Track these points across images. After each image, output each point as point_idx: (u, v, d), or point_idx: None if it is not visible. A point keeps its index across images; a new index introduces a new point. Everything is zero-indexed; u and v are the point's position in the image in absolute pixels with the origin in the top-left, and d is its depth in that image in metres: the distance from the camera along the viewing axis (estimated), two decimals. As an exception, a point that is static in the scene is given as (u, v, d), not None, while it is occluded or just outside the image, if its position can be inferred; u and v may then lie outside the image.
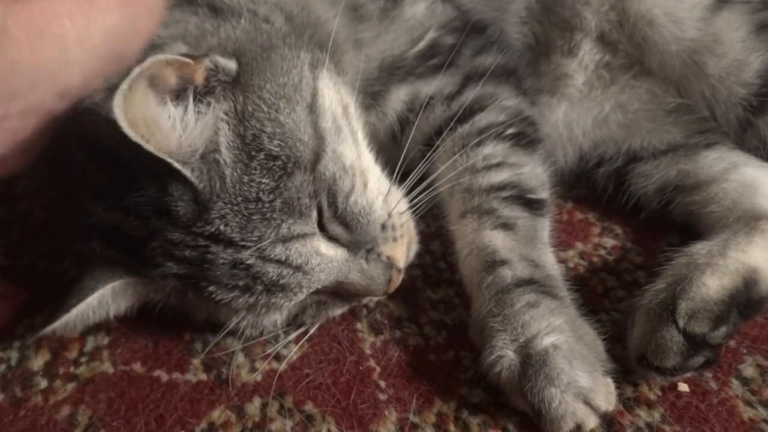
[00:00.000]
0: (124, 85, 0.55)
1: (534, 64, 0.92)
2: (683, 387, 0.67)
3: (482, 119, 0.78)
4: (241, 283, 0.64)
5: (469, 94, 0.79)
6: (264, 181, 0.62)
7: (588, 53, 0.89)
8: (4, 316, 0.81)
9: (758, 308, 0.69)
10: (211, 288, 0.64)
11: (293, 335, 0.74)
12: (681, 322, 0.63)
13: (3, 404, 0.71)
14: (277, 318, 0.71)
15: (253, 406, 0.69)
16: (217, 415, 0.69)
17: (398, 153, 0.77)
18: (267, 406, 0.69)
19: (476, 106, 0.78)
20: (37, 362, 0.76)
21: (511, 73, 0.84)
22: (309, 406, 0.68)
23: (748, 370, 0.68)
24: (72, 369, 0.75)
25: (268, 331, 0.72)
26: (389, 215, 0.70)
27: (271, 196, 0.62)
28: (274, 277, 0.64)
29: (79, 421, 0.69)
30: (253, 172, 0.62)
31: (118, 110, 0.54)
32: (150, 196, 0.61)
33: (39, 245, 0.90)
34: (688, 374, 0.67)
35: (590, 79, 0.91)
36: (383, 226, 0.69)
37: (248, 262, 0.63)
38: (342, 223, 0.66)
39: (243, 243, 0.62)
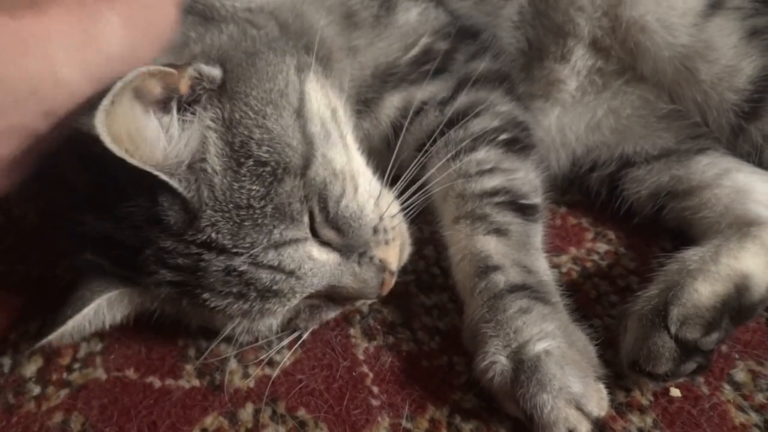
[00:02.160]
0: (106, 101, 0.55)
1: (527, 69, 0.93)
2: (675, 392, 0.67)
3: (475, 124, 0.78)
4: (234, 289, 0.64)
5: (463, 100, 0.79)
6: (254, 187, 0.62)
7: (580, 59, 0.90)
8: (-3, 322, 0.81)
9: (750, 314, 0.69)
10: (206, 295, 0.64)
11: (286, 341, 0.74)
12: (673, 328, 0.64)
13: (-5, 411, 0.71)
14: (272, 323, 0.71)
15: (246, 413, 0.69)
16: (210, 421, 0.68)
17: (391, 158, 0.77)
18: (260, 412, 0.69)
19: (469, 111, 0.79)
20: (30, 369, 0.75)
21: (504, 78, 0.84)
22: (302, 412, 0.68)
23: (740, 375, 0.68)
24: (65, 375, 0.74)
25: (263, 336, 0.72)
26: (381, 218, 0.70)
27: (262, 203, 0.62)
28: (267, 283, 0.64)
29: (72, 427, 0.69)
30: (243, 179, 0.62)
31: (101, 126, 0.54)
32: (141, 206, 0.61)
33: (33, 251, 0.90)
34: (681, 380, 0.67)
35: (583, 85, 0.91)
36: (375, 230, 0.70)
37: (241, 268, 0.63)
38: (334, 227, 0.66)
39: (235, 250, 0.62)
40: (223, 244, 0.62)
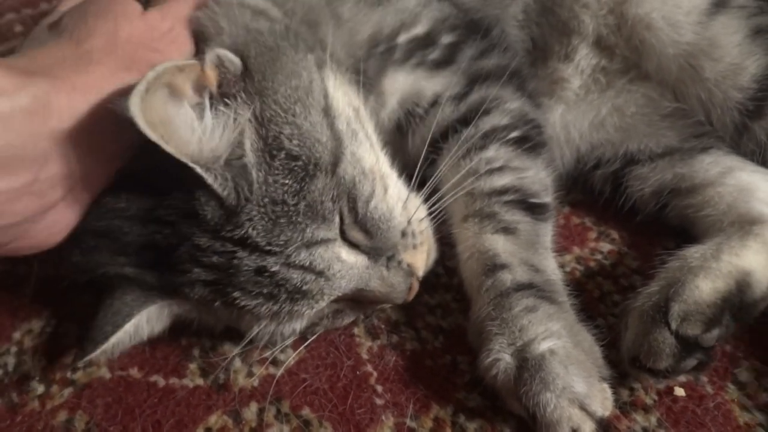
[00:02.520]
0: (141, 86, 0.55)
1: (532, 68, 0.92)
2: (679, 391, 0.67)
3: (486, 122, 0.78)
4: (265, 290, 0.64)
5: (474, 96, 0.79)
6: (287, 182, 0.62)
7: (584, 58, 0.89)
8: (0, 322, 0.81)
9: (751, 311, 0.69)
10: (236, 293, 0.64)
11: (290, 340, 0.73)
12: (673, 324, 0.64)
13: (0, 410, 0.71)
14: (297, 326, 0.70)
15: (250, 412, 0.69)
16: (214, 420, 0.69)
17: (406, 155, 0.77)
18: (264, 411, 0.69)
19: (481, 108, 0.78)
20: (34, 367, 0.75)
21: (515, 75, 0.83)
22: (306, 411, 0.68)
23: (744, 375, 0.68)
24: (69, 374, 0.74)
25: (284, 338, 0.71)
26: (409, 222, 0.70)
27: (296, 199, 0.62)
28: (297, 284, 0.64)
29: (76, 426, 0.69)
30: (276, 172, 0.62)
31: (135, 108, 0.54)
32: (178, 199, 0.62)
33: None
34: (683, 377, 0.67)
35: (587, 83, 0.91)
36: (403, 233, 0.69)
37: (273, 269, 0.63)
38: (362, 228, 0.66)
39: (269, 248, 0.62)
40: (257, 242, 0.62)
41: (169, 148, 0.57)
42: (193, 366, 0.74)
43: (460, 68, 0.81)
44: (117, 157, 0.66)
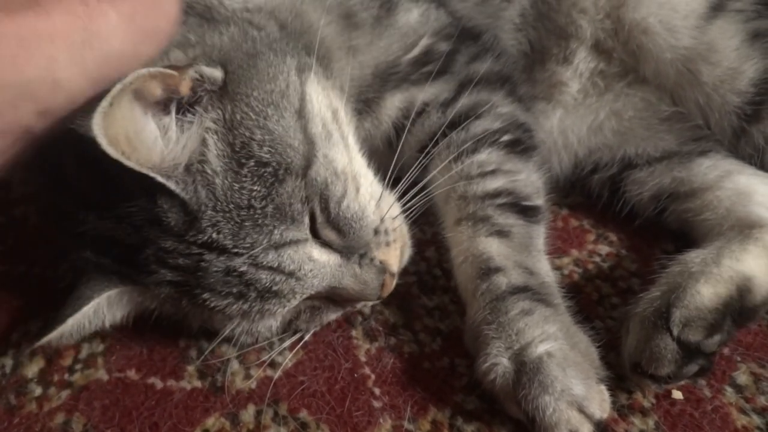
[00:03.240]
0: (104, 103, 0.55)
1: (529, 71, 0.93)
2: (677, 394, 0.67)
3: (477, 126, 0.78)
4: (234, 290, 0.64)
5: (465, 101, 0.79)
6: (255, 188, 0.62)
7: (583, 61, 0.90)
8: (-2, 323, 0.81)
9: (752, 316, 0.69)
10: (205, 295, 0.64)
11: (288, 342, 0.73)
12: (675, 330, 0.64)
13: (-3, 411, 0.71)
14: (272, 324, 0.70)
15: (248, 414, 0.69)
16: (212, 422, 0.68)
17: (393, 159, 0.77)
18: (261, 413, 0.69)
19: (471, 112, 0.79)
20: (32, 369, 0.75)
21: (505, 80, 0.84)
22: (303, 414, 0.68)
23: (742, 378, 0.68)
24: (66, 376, 0.74)
25: (263, 337, 0.72)
26: (382, 220, 0.70)
27: (263, 203, 0.62)
28: (267, 284, 0.64)
29: (74, 428, 0.69)
30: (244, 179, 0.62)
31: (98, 128, 0.54)
32: (141, 206, 0.61)
33: (34, 251, 0.90)
34: (683, 382, 0.67)
35: (585, 87, 0.91)
36: (376, 231, 0.70)
37: (241, 269, 0.63)
38: (335, 228, 0.66)
39: (236, 250, 0.62)
40: (224, 245, 0.62)
41: (130, 164, 0.57)
42: (190, 368, 0.74)
43: (453, 76, 0.82)
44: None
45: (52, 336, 0.66)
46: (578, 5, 0.88)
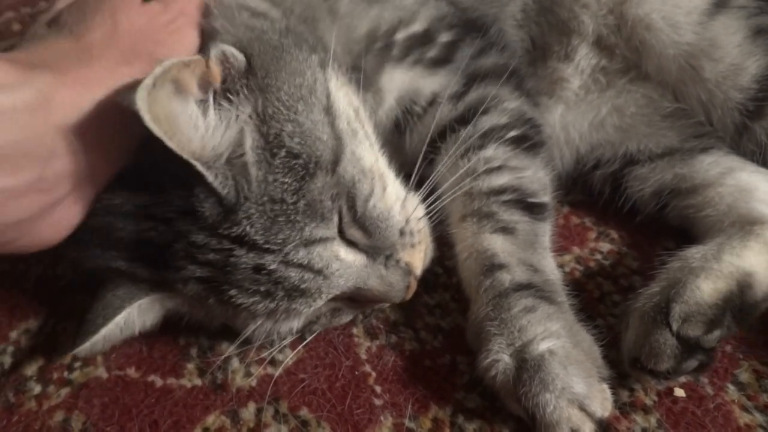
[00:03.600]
0: (148, 80, 0.55)
1: (531, 68, 0.92)
2: (679, 392, 0.67)
3: (484, 121, 0.78)
4: (262, 288, 0.63)
5: (472, 95, 0.79)
6: (287, 180, 0.62)
7: (584, 57, 0.89)
8: (-2, 321, 0.81)
9: (753, 312, 0.69)
10: (233, 292, 0.64)
11: (288, 340, 0.73)
12: (675, 326, 0.63)
13: (-4, 409, 0.71)
14: (294, 325, 0.70)
15: (248, 412, 0.69)
16: (212, 420, 0.68)
17: (404, 154, 0.77)
18: (262, 411, 0.69)
19: (479, 107, 0.78)
20: (31, 367, 0.75)
21: (513, 74, 0.83)
22: (304, 412, 0.68)
23: (744, 376, 0.68)
24: (66, 374, 0.74)
25: (282, 337, 0.71)
26: (407, 221, 0.70)
27: (295, 197, 0.62)
28: (295, 282, 0.63)
29: (73, 426, 0.69)
30: (276, 171, 0.62)
31: (142, 102, 0.54)
32: (175, 196, 0.62)
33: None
34: (683, 378, 0.67)
35: (587, 83, 0.91)
36: (401, 232, 0.69)
37: (271, 267, 0.62)
38: (361, 227, 0.66)
39: (267, 246, 0.62)
40: (255, 240, 0.61)
41: (172, 145, 0.57)
42: (190, 366, 0.74)
43: (459, 67, 0.81)
44: (122, 152, 0.66)
45: (85, 346, 0.65)
46: (581, 0, 0.88)
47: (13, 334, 0.79)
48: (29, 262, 0.88)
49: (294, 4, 0.78)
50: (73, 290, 0.81)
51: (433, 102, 0.79)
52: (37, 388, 0.73)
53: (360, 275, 0.67)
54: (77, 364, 0.75)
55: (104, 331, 0.65)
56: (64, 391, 0.72)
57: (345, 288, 0.67)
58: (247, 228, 0.61)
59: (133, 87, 0.56)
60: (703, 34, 0.82)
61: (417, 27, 0.81)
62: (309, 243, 0.63)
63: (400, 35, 0.80)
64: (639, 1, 0.84)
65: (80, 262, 0.68)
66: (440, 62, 0.80)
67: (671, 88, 0.86)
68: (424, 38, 0.81)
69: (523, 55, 0.91)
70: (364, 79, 0.76)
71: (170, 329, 0.75)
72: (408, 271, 0.70)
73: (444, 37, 0.82)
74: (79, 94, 0.60)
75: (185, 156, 0.58)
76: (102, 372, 0.74)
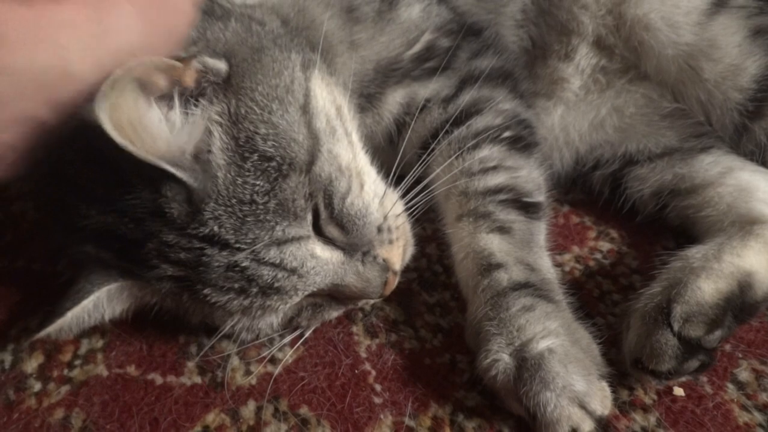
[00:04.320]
0: (105, 86, 0.54)
1: (530, 68, 0.92)
2: (678, 391, 0.67)
3: (478, 122, 0.78)
4: (236, 285, 0.64)
5: (466, 98, 0.79)
6: (258, 183, 0.62)
7: (584, 58, 0.90)
8: (-3, 318, 0.81)
9: (753, 312, 0.69)
10: (206, 290, 0.64)
11: (288, 338, 0.73)
12: (676, 326, 0.64)
13: (-4, 407, 0.71)
14: (272, 320, 0.70)
15: (248, 410, 0.69)
16: (212, 418, 0.68)
17: (395, 156, 0.77)
18: (262, 409, 0.69)
19: (472, 109, 0.78)
20: (31, 365, 0.75)
21: (507, 76, 0.84)
22: (304, 410, 0.68)
23: (744, 375, 0.68)
24: (66, 372, 0.74)
25: (264, 334, 0.72)
26: (385, 217, 0.70)
27: (265, 198, 0.62)
28: (269, 280, 0.63)
29: (73, 424, 0.69)
30: (247, 174, 0.62)
31: (101, 112, 0.53)
32: (144, 198, 0.61)
33: (33, 247, 0.90)
34: (684, 378, 0.67)
35: (586, 84, 0.91)
36: (379, 229, 0.69)
37: (243, 264, 0.62)
38: (338, 225, 0.66)
39: (237, 245, 0.62)
40: (225, 239, 0.61)
41: (135, 150, 0.56)
42: (190, 364, 0.74)
43: (454, 72, 0.81)
44: None
45: (51, 329, 0.65)
46: (580, 1, 0.88)
47: (13, 332, 0.79)
48: (28, 259, 0.88)
49: (298, 20, 0.77)
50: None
51: (423, 107, 0.80)
52: (37, 386, 0.73)
53: (337, 272, 0.67)
54: (77, 362, 0.75)
55: (70, 315, 0.65)
56: (64, 389, 0.72)
57: (322, 285, 0.67)
58: (215, 228, 0.61)
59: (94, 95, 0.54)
60: (702, 34, 0.82)
61: (421, 44, 0.81)
62: (281, 242, 0.63)
63: (406, 58, 0.81)
64: (638, 2, 0.85)
65: (54, 242, 0.68)
66: (437, 70, 0.81)
67: (670, 88, 0.87)
68: (427, 53, 0.81)
69: (521, 55, 0.91)
70: (366, 102, 0.77)
71: (170, 328, 0.75)
72: (386, 267, 0.70)
73: (443, 44, 0.82)
74: None
75: (150, 159, 0.57)
76: (102, 370, 0.74)
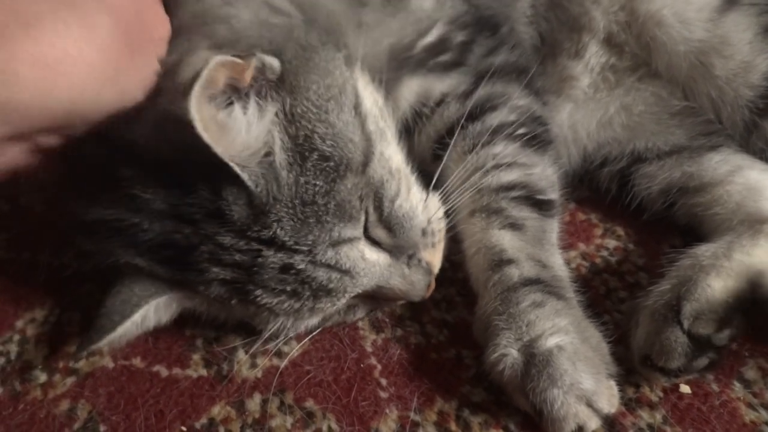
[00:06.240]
0: (198, 87, 0.54)
1: (540, 65, 0.92)
2: (685, 389, 0.67)
3: (493, 118, 0.78)
4: (288, 288, 0.63)
5: (481, 93, 0.79)
6: (318, 183, 0.61)
7: (594, 55, 0.89)
8: (4, 310, 0.81)
9: (763, 310, 0.69)
10: (258, 292, 0.63)
11: (294, 332, 0.73)
12: (686, 324, 0.63)
13: (2, 398, 0.71)
14: (312, 322, 0.70)
15: (254, 402, 0.69)
16: (217, 410, 0.68)
17: (413, 152, 0.77)
18: (267, 402, 0.69)
19: (487, 104, 0.78)
20: (37, 356, 0.75)
21: (522, 72, 0.83)
22: (310, 403, 0.68)
23: (750, 373, 0.68)
24: (71, 363, 0.74)
25: (299, 332, 0.71)
26: (429, 221, 0.70)
27: (326, 199, 0.61)
28: (323, 282, 0.63)
29: (79, 415, 0.69)
30: (308, 173, 0.61)
31: (194, 112, 0.53)
32: (203, 199, 0.60)
33: (40, 239, 0.89)
34: (692, 376, 0.67)
35: (596, 81, 0.90)
36: (424, 232, 0.70)
37: (299, 266, 0.62)
38: (386, 227, 0.66)
39: (296, 247, 0.61)
40: (284, 241, 0.61)
41: (218, 150, 0.56)
42: (196, 356, 0.74)
43: (471, 67, 0.81)
44: None
45: (103, 343, 0.65)
46: None
47: (19, 323, 0.79)
48: (35, 251, 0.88)
49: (317, 13, 0.77)
50: (79, 280, 0.81)
51: (441, 102, 0.79)
52: (42, 377, 0.73)
53: (383, 274, 0.67)
54: (83, 354, 0.75)
55: (121, 329, 0.65)
56: (70, 380, 0.72)
57: (368, 287, 0.67)
58: (277, 230, 0.61)
59: (178, 93, 0.55)
60: (714, 30, 0.82)
61: (434, 35, 0.81)
62: (337, 243, 0.63)
63: (419, 46, 0.80)
64: None
65: (96, 256, 0.66)
66: (453, 65, 0.80)
67: (681, 85, 0.86)
68: (440, 45, 0.81)
69: (532, 52, 0.91)
70: (382, 88, 0.76)
71: (177, 320, 0.74)
72: (429, 270, 0.70)
73: (458, 38, 0.81)
74: None
75: (226, 159, 0.57)
76: (108, 361, 0.74)
